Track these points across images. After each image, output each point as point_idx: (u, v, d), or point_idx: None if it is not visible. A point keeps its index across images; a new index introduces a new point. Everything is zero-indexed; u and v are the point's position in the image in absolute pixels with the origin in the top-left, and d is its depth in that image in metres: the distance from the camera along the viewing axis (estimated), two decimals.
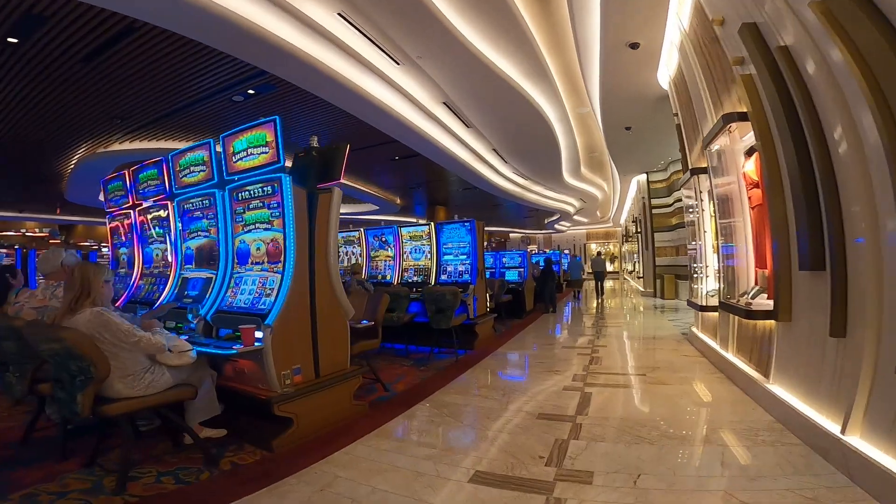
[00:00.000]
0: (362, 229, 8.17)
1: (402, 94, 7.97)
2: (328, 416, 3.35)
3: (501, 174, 14.36)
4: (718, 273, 4.86)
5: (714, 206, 4.76)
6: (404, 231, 7.57)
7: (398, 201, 18.76)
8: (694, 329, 6.34)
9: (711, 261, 5.26)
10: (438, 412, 3.78)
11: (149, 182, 4.46)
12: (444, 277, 7.09)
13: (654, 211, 14.81)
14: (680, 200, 13.60)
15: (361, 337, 4.14)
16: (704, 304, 5.29)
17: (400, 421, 3.59)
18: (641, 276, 17.11)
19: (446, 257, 7.18)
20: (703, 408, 3.77)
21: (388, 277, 7.70)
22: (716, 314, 5.05)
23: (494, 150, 11.91)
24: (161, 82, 7.29)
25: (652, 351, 6.20)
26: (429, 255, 7.29)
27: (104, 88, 7.33)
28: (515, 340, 7.20)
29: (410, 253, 7.55)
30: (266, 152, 3.44)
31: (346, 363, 3.68)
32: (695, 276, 5.77)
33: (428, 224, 7.30)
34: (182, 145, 6.01)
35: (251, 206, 3.52)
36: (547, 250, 25.96)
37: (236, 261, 3.64)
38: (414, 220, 22.47)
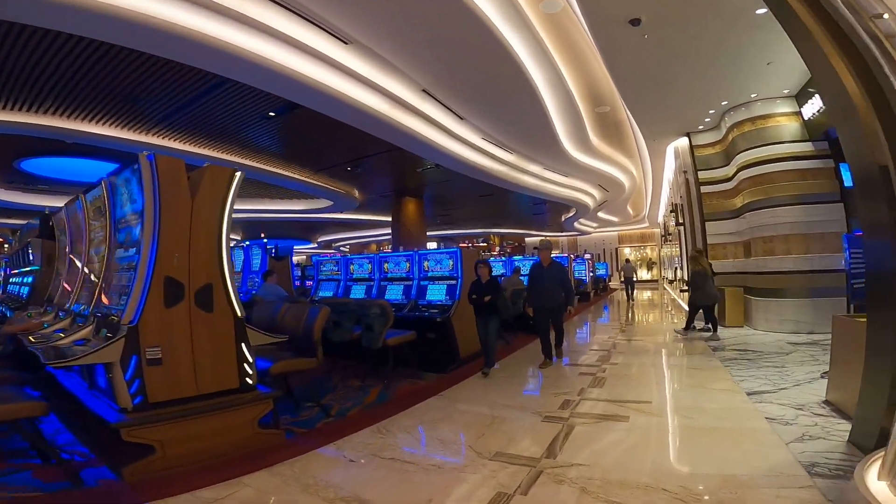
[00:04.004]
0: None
1: None
2: None
3: (463, 140, 9.71)
4: None
5: None
6: (88, 199, 3.32)
7: (356, 194, 14.54)
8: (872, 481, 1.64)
9: None
10: None
11: None
12: (105, 301, 2.75)
13: (705, 189, 9.87)
14: (748, 167, 8.30)
15: None
16: None
17: None
18: (686, 288, 11.90)
19: (119, 252, 2.84)
20: None
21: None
22: None
23: (426, 91, 7.45)
24: None
25: None
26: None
27: None
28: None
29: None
30: None
31: None
32: None
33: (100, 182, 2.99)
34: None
35: None
36: (573, 255, 20.80)
37: None
38: (378, 216, 18.39)
